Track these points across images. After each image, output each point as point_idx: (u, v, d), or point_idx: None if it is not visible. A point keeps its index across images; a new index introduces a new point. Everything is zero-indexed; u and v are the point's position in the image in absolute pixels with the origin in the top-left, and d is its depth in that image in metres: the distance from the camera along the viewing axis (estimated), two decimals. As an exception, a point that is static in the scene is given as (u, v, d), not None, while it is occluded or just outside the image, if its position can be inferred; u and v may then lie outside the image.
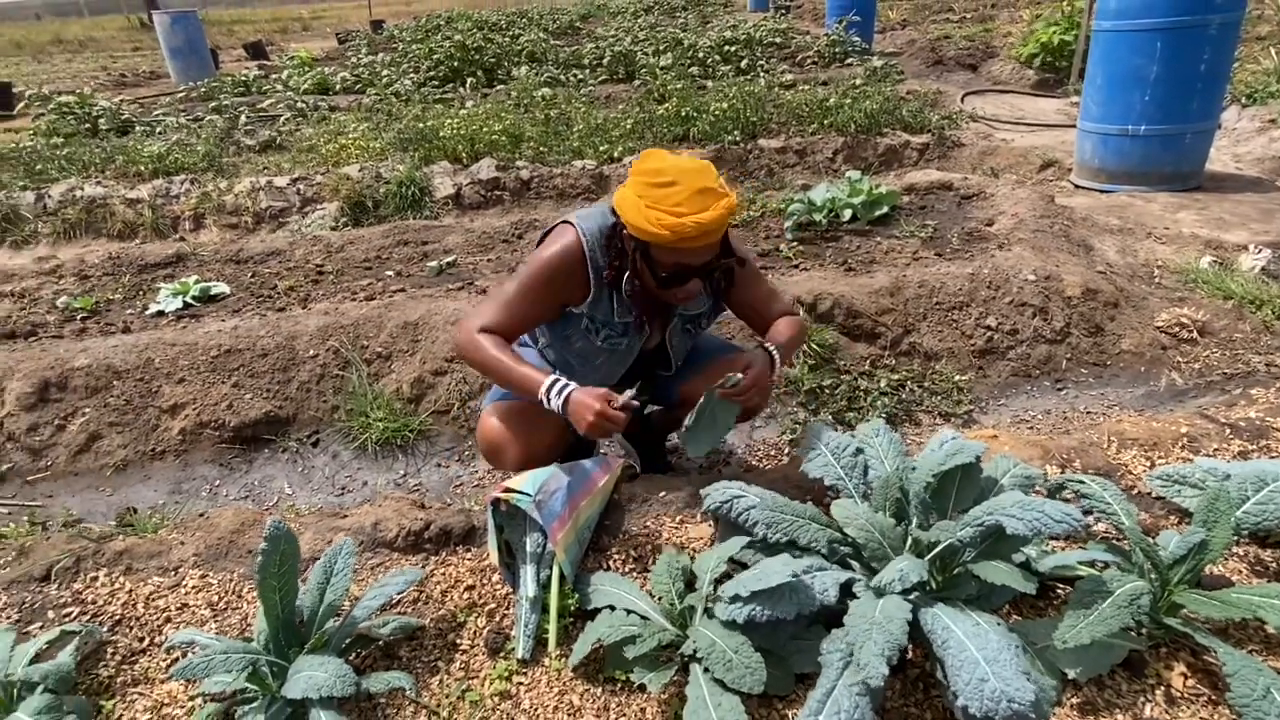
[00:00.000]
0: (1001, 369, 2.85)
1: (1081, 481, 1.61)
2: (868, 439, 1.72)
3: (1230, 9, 3.97)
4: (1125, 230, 3.76)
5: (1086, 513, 1.69)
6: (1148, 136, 4.24)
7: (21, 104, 7.84)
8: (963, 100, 6.68)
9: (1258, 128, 5.13)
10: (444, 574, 1.72)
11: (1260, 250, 3.34)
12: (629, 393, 1.66)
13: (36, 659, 1.44)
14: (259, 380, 2.79)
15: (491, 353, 1.70)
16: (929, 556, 1.42)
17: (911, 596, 1.36)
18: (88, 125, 6.74)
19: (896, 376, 2.77)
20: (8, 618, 1.64)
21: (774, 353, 1.78)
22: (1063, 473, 1.95)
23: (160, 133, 6.48)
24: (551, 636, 1.53)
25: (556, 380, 1.65)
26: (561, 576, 1.58)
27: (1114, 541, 1.66)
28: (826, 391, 2.72)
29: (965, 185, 4.15)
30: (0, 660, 1.41)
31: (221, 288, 3.49)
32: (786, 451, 2.54)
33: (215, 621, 1.64)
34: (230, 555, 1.81)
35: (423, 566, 1.72)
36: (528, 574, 1.58)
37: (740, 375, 1.71)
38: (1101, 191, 4.43)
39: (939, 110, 5.96)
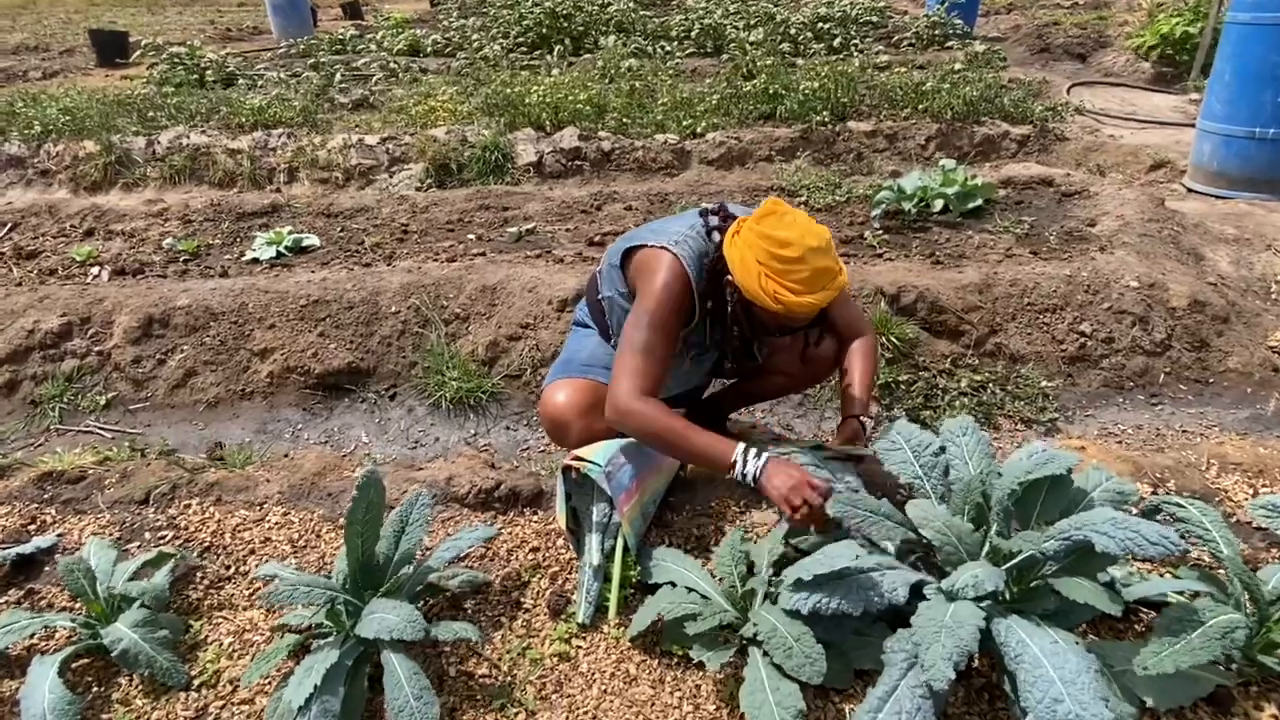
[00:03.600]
0: (1092, 378, 2.71)
1: (1180, 504, 1.52)
2: (953, 437, 1.65)
3: (1388, 4, 3.62)
4: (1242, 240, 3.50)
5: (1181, 537, 1.60)
6: (1276, 140, 3.93)
7: (137, 53, 8.25)
8: (1069, 91, 6.31)
9: (1405, 137, 4.67)
10: (511, 534, 1.76)
11: (1397, 271, 3.07)
12: (832, 484, 1.53)
13: (135, 576, 1.54)
14: (343, 331, 2.89)
15: (663, 423, 1.55)
16: (1006, 566, 1.37)
17: (984, 604, 1.32)
18: (196, 76, 7.04)
19: (978, 377, 2.67)
20: (110, 535, 1.76)
21: (864, 423, 1.83)
22: (1155, 492, 1.85)
23: (260, 86, 6.72)
24: (612, 604, 1.55)
25: (749, 448, 1.53)
26: (625, 548, 1.60)
27: (1207, 569, 1.57)
28: (903, 387, 2.65)
29: (1067, 182, 3.94)
30: (104, 574, 1.51)
31: (312, 240, 3.62)
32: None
33: (295, 558, 1.72)
34: (311, 496, 1.89)
35: (491, 524, 1.77)
36: (593, 542, 1.60)
37: (859, 450, 1.76)
38: (1218, 197, 4.13)
39: (1043, 101, 5.64)
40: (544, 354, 2.81)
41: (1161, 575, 1.60)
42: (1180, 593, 1.46)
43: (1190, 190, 4.30)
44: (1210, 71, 4.29)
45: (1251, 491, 1.85)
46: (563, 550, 1.69)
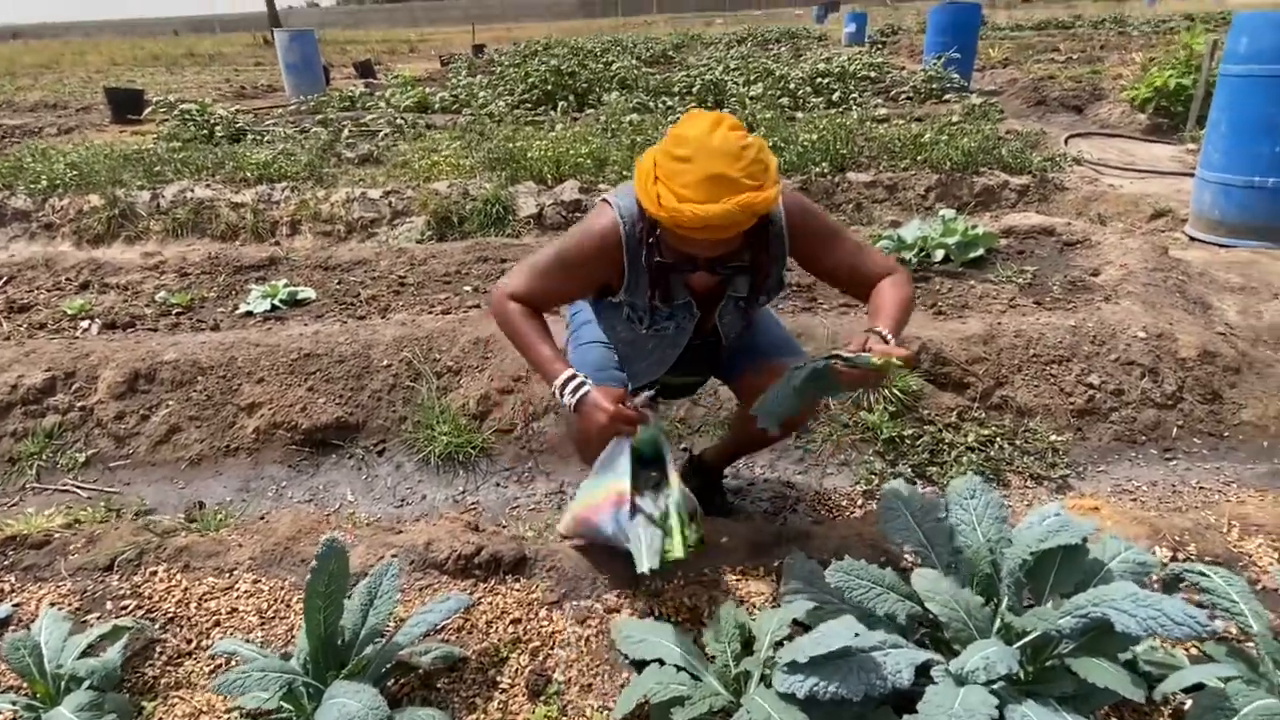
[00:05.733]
0: (1102, 432, 2.62)
1: (1203, 573, 1.42)
2: (960, 500, 1.55)
3: (1382, 56, 3.63)
4: (1248, 289, 3.44)
5: (1204, 607, 1.49)
6: (1276, 189, 3.90)
7: (149, 109, 8.44)
8: (1066, 142, 6.36)
9: None
10: (491, 603, 1.66)
11: None
12: (644, 395, 1.60)
13: (88, 652, 1.45)
14: (333, 385, 2.83)
15: (516, 324, 1.62)
16: (1019, 644, 1.27)
17: (996, 687, 1.21)
18: (205, 131, 7.18)
19: (985, 431, 2.58)
20: (68, 605, 1.67)
21: (886, 337, 1.48)
22: (1175, 556, 1.75)
23: (269, 141, 6.84)
24: (676, 541, 1.52)
25: (574, 377, 1.55)
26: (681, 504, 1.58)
27: (1235, 644, 1.46)
28: (907, 442, 2.56)
29: (1069, 231, 3.90)
30: (53, 651, 1.42)
31: (308, 293, 3.60)
32: (859, 504, 2.39)
33: (262, 629, 1.63)
34: (284, 562, 1.80)
35: (470, 593, 1.67)
36: (647, 499, 1.57)
37: (867, 355, 1.40)
38: (1221, 245, 4.09)
39: (1040, 151, 5.67)
40: (536, 407, 2.74)
41: (1187, 650, 1.49)
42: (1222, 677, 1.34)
43: (1192, 239, 4.26)
44: (1206, 122, 4.30)
45: (1277, 555, 1.74)
46: (544, 622, 1.59)
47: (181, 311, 3.47)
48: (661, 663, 1.41)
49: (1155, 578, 1.54)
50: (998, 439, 2.56)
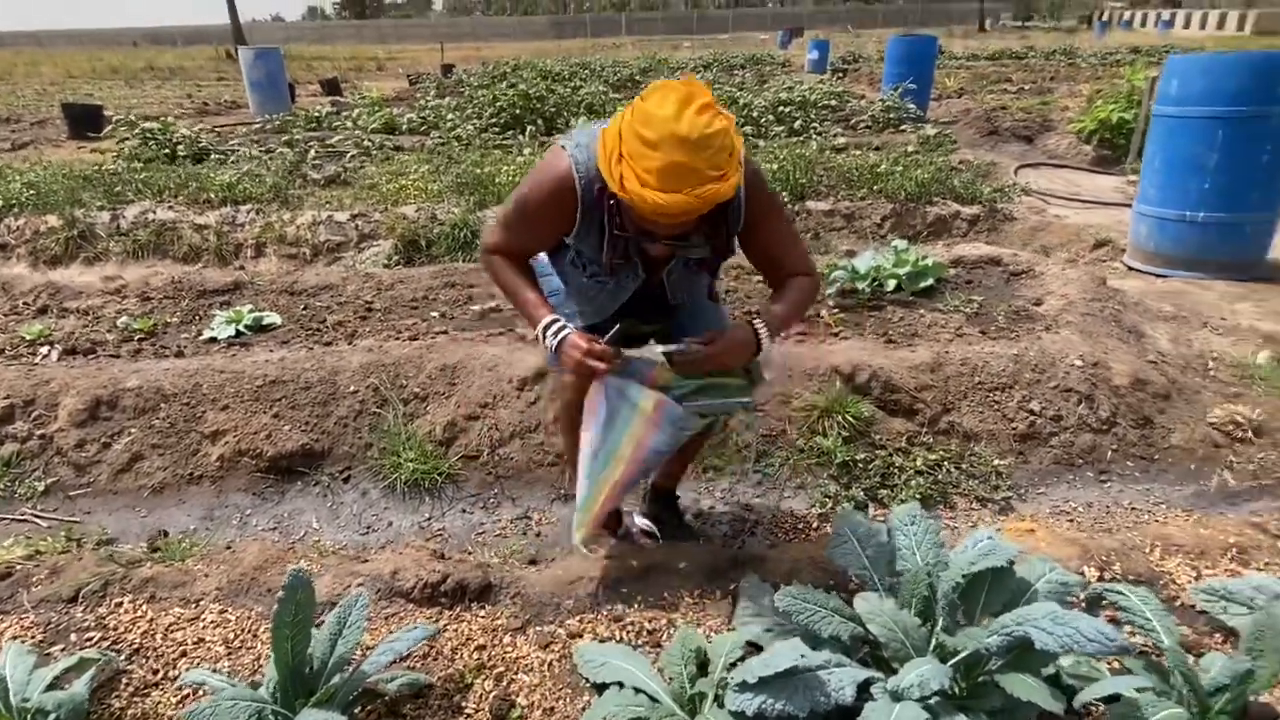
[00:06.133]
0: (1043, 456, 2.76)
1: (1121, 593, 1.54)
2: (902, 525, 1.66)
3: (1296, 101, 3.90)
4: (1179, 318, 3.65)
5: (1123, 624, 1.61)
6: (1206, 224, 4.14)
7: (109, 127, 8.33)
8: (1016, 173, 6.63)
9: (1326, 219, 4.96)
10: (457, 630, 1.71)
11: (1325, 349, 3.21)
12: (610, 334, 1.66)
13: (54, 685, 1.46)
14: (299, 412, 2.85)
15: (500, 275, 1.74)
16: (953, 662, 1.37)
17: (932, 703, 1.31)
18: (167, 151, 7.12)
19: (933, 456, 2.70)
20: (32, 637, 1.68)
21: (759, 332, 1.62)
22: (1101, 575, 1.87)
23: (233, 162, 6.80)
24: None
25: (556, 321, 1.65)
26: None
27: (1152, 659, 1.57)
28: (860, 466, 2.67)
29: (1014, 261, 4.10)
30: (18, 684, 1.44)
31: (274, 318, 3.61)
32: (815, 526, 2.49)
33: (229, 659, 1.65)
34: (251, 592, 1.83)
35: (436, 621, 1.72)
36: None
37: (696, 346, 1.60)
38: (1157, 276, 4.32)
39: (991, 182, 5.92)
40: (502, 434, 2.79)
41: (1110, 665, 1.60)
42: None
43: (1130, 269, 4.49)
44: (1144, 158, 4.55)
45: (1194, 574, 1.88)
46: (508, 648, 1.65)
47: (144, 337, 3.45)
48: (621, 685, 1.48)
49: (1081, 596, 1.66)
50: (945, 463, 2.68)
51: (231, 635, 1.71)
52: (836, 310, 3.54)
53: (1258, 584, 1.69)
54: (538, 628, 1.72)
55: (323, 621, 1.53)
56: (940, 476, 2.64)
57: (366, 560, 1.93)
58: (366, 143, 7.53)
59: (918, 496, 2.54)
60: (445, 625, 1.70)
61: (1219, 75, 3.99)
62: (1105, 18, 39.10)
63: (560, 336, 1.63)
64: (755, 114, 8.27)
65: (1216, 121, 3.98)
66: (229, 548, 2.08)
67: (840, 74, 14.99)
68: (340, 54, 29.71)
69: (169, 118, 8.40)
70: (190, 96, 14.80)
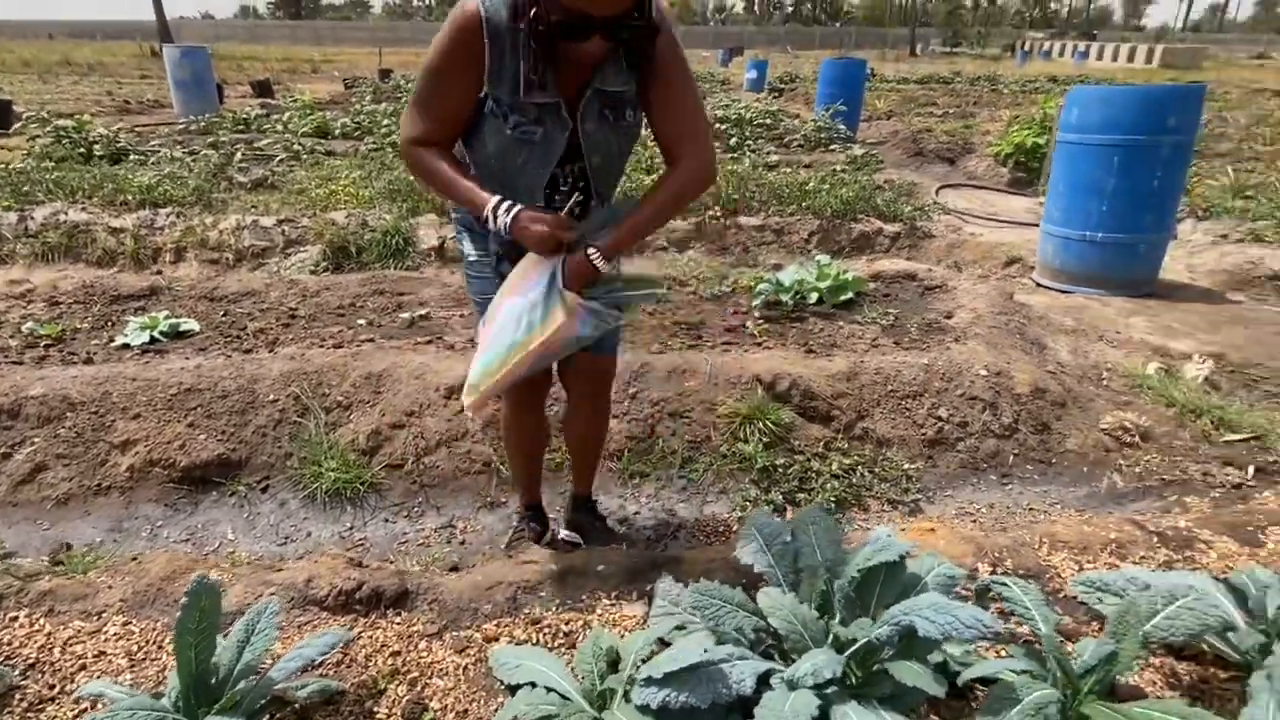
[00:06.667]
0: (950, 460, 2.91)
1: (1005, 584, 1.65)
2: (804, 525, 1.75)
3: (1182, 132, 4.23)
4: (1079, 331, 3.90)
5: (1008, 614, 1.73)
6: (1104, 243, 4.44)
7: (19, 124, 7.92)
8: (937, 193, 6.95)
9: (1211, 241, 5.38)
10: (371, 637, 1.71)
11: (1204, 360, 3.48)
12: (569, 203, 1.66)
13: (-62, 703, 1.40)
14: (215, 421, 2.78)
15: (428, 165, 1.65)
16: (848, 652, 1.44)
17: (827, 691, 1.38)
18: (82, 150, 6.82)
19: (848, 460, 2.82)
20: (-83, 655, 1.60)
21: (593, 259, 1.61)
22: (994, 570, 1.99)
23: (154, 163, 6.56)
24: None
25: (504, 200, 1.60)
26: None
27: (1033, 646, 1.69)
28: (779, 470, 2.76)
29: (929, 276, 4.30)
30: (-101, 702, 1.37)
31: (191, 325, 3.51)
32: (735, 529, 2.56)
33: (131, 672, 1.61)
34: (157, 603, 1.79)
35: (350, 628, 1.71)
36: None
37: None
38: (1061, 291, 4.60)
39: (913, 201, 6.19)
40: (429, 442, 2.78)
41: (998, 653, 1.72)
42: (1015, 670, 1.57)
43: (1038, 285, 4.77)
44: (1050, 181, 4.84)
45: (1077, 567, 2.02)
46: (423, 654, 1.66)
47: (51, 343, 3.31)
48: (534, 685, 1.50)
49: (971, 588, 1.77)
50: (859, 467, 2.80)
51: (135, 648, 1.66)
52: (761, 321, 3.66)
53: (1130, 575, 1.83)
54: (454, 633, 1.73)
55: (230, 630, 1.51)
56: (855, 480, 2.76)
57: (280, 569, 1.91)
58: (297, 146, 7.37)
59: (833, 499, 2.65)
60: (360, 632, 1.70)
61: (1116, 106, 4.29)
62: (1027, 47, 41.35)
63: (513, 214, 1.59)
64: (692, 129, 8.42)
65: (1113, 149, 4.28)
66: (135, 559, 2.02)
67: (777, 93, 15.41)
68: (273, 55, 28.92)
69: (86, 115, 8.04)
70: (110, 94, 14.18)
